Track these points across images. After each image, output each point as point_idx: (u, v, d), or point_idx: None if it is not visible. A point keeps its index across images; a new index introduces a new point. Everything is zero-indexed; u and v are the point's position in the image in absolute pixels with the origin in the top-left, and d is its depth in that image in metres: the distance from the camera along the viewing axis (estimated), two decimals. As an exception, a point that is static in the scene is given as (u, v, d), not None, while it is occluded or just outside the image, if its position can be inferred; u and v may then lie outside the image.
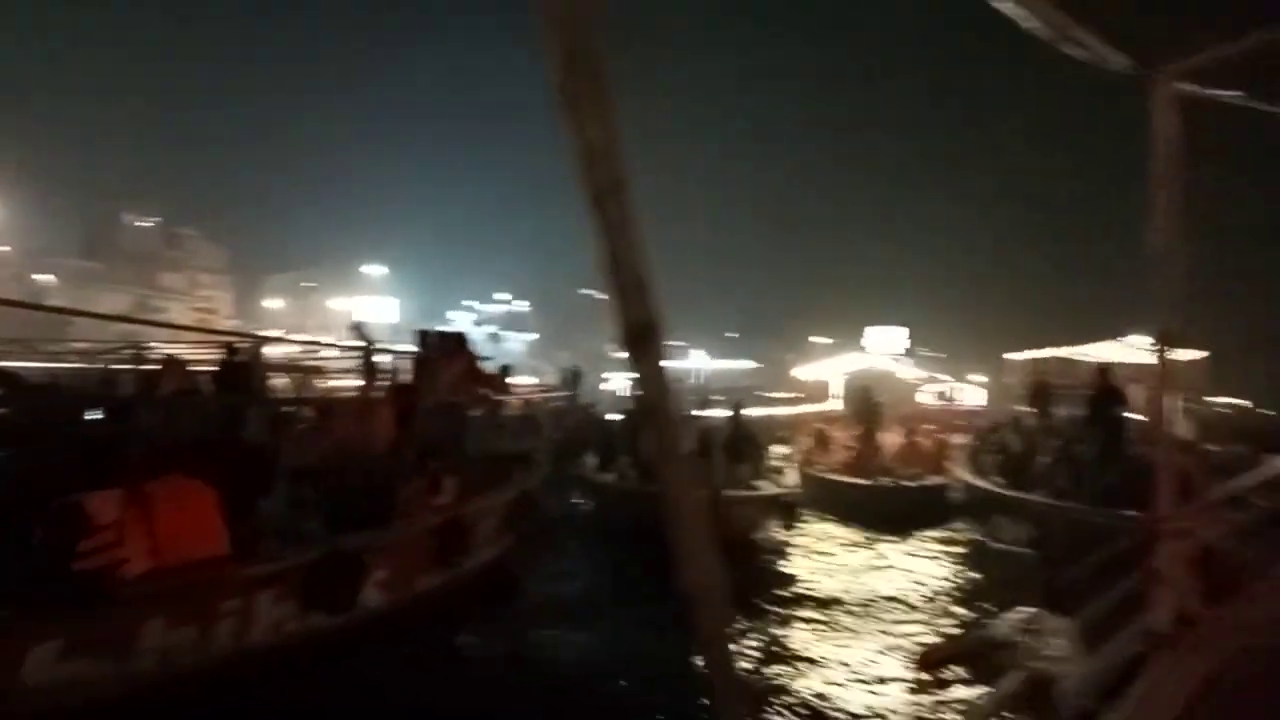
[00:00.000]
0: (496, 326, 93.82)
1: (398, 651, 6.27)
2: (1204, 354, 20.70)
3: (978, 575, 10.34)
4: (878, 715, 5.13)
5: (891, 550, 11.88)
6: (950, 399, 24.66)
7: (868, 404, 16.05)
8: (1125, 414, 11.13)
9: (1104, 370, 12.12)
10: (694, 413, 21.80)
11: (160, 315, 75.49)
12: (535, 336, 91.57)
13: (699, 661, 1.04)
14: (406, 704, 5.85)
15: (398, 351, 9.85)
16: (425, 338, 9.77)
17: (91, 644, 4.53)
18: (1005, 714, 1.67)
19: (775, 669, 6.55)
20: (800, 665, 6.65)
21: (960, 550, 11.95)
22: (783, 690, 6.08)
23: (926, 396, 29.43)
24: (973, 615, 7.61)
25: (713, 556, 0.98)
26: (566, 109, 0.90)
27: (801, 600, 8.93)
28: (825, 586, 9.65)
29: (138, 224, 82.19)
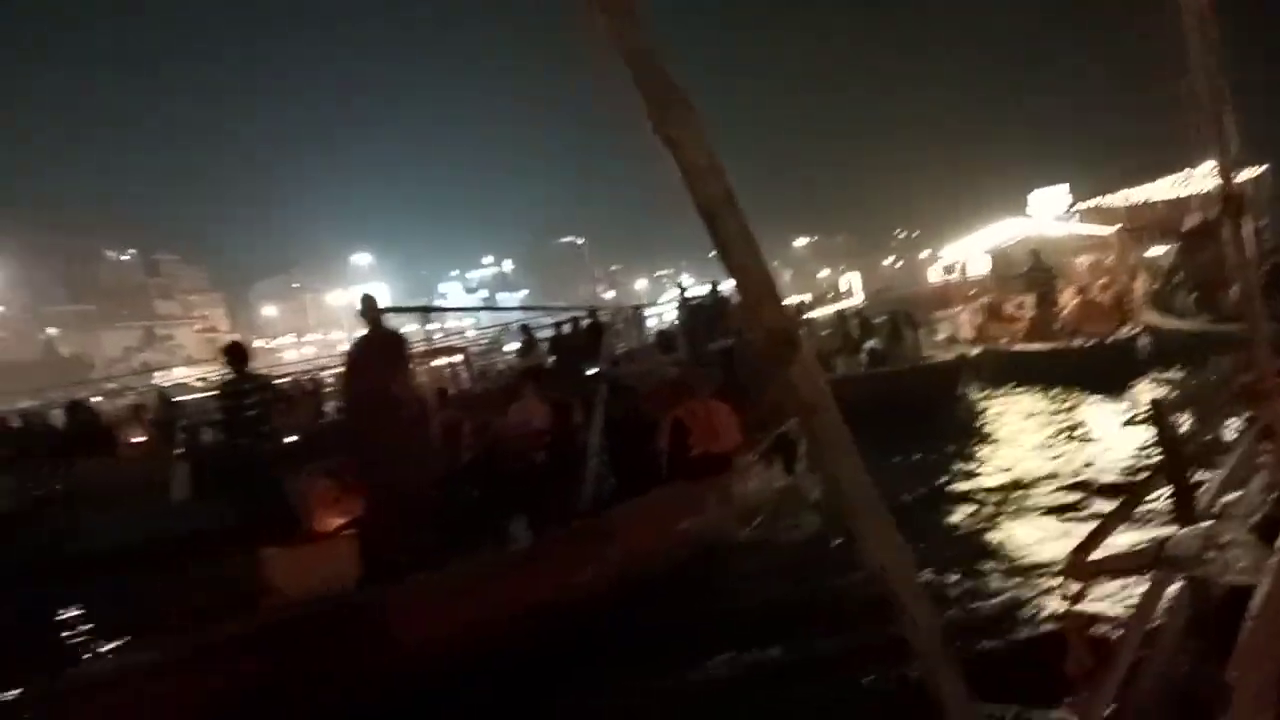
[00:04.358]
0: (487, 291, 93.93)
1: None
2: (1263, 168, 19.06)
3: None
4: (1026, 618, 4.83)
5: (1083, 416, 10.98)
6: (956, 271, 21.76)
7: (1039, 268, 15.55)
8: None
9: None
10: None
11: (170, 342, 76.65)
12: (526, 293, 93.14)
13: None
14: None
15: None
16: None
17: (720, 501, 7.12)
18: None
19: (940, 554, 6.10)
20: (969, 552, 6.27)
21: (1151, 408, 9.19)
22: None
23: (936, 273, 29.13)
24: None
25: (893, 535, 1.04)
26: (665, 142, 0.97)
27: (984, 472, 8.83)
28: (1013, 460, 9.24)
29: (117, 257, 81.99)
